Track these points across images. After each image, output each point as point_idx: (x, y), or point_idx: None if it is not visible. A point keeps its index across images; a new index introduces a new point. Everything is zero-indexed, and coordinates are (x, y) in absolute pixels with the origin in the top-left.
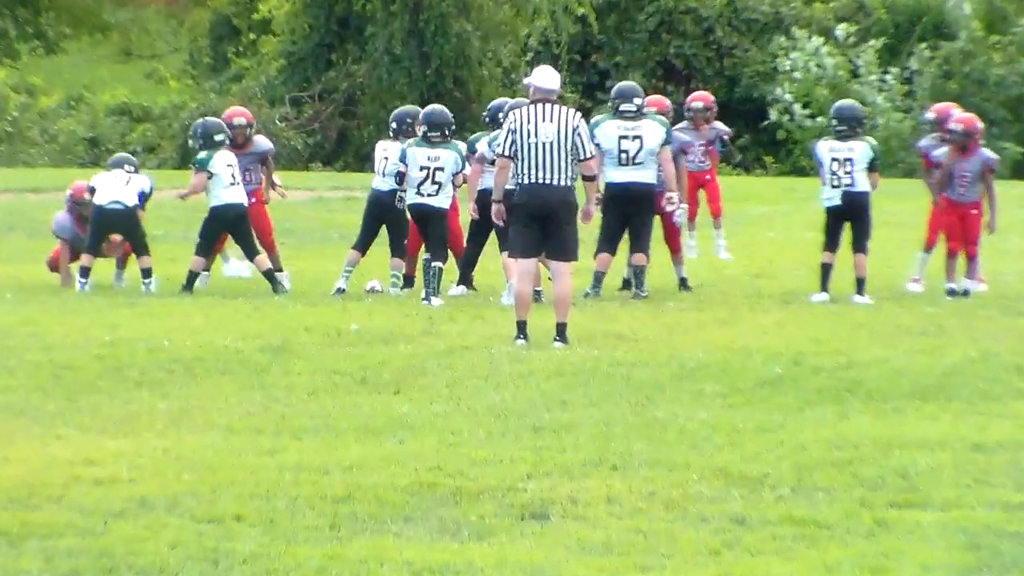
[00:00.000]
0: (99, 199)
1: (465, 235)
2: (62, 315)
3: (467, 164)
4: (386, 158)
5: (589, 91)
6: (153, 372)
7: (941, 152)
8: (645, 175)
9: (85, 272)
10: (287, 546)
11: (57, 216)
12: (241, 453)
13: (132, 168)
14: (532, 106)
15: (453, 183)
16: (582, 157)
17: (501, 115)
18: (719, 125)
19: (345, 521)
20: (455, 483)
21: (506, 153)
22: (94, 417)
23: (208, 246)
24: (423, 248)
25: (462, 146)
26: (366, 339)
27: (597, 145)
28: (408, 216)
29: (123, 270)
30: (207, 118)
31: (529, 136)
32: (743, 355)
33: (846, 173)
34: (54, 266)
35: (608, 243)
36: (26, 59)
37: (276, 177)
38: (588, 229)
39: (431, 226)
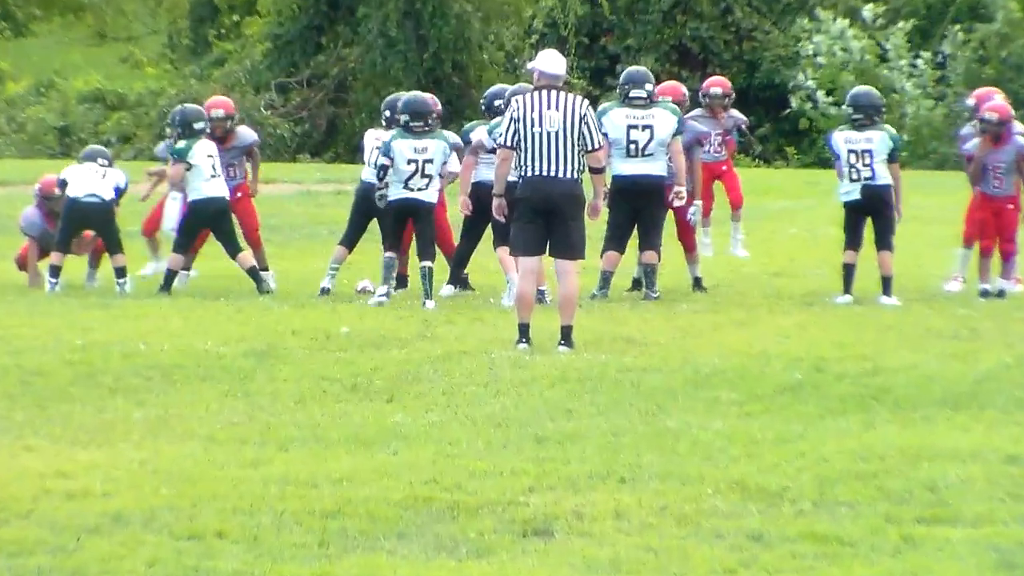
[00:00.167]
0: (74, 191)
1: (455, 231)
2: (31, 317)
3: (455, 156)
4: (377, 148)
5: (598, 77)
6: (129, 378)
7: (973, 144)
8: (655, 167)
9: (55, 271)
10: (272, 564)
11: (25, 211)
12: (223, 465)
13: (106, 162)
14: (536, 93)
15: (441, 176)
16: (590, 148)
17: (498, 102)
18: (736, 113)
19: (335, 538)
20: (452, 497)
21: (508, 143)
22: (66, 426)
23: (187, 243)
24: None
25: (448, 135)
26: (357, 343)
27: (604, 135)
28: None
29: (96, 269)
30: (186, 105)
31: (533, 125)
32: (761, 360)
33: (865, 165)
34: (23, 264)
35: (616, 240)
36: None
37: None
38: (595, 225)
39: (420, 223)
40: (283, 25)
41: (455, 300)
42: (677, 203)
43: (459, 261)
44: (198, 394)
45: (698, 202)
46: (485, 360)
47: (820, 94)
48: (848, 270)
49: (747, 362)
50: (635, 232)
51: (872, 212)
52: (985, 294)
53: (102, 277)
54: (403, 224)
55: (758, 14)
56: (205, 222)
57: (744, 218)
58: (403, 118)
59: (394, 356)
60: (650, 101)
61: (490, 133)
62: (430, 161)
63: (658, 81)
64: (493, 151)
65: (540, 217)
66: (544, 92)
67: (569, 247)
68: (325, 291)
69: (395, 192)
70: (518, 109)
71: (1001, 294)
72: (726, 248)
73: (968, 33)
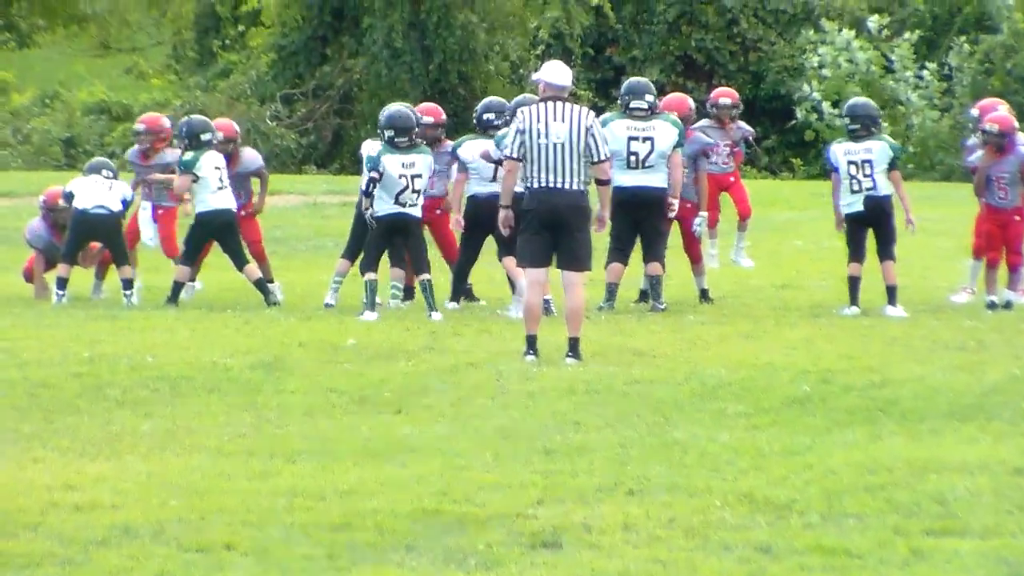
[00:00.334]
0: (81, 203)
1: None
2: (37, 329)
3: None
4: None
5: (603, 88)
6: (136, 391)
7: (976, 156)
8: (655, 179)
9: (62, 283)
10: None
11: (31, 224)
12: (231, 477)
13: (111, 174)
14: (542, 104)
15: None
16: (596, 159)
17: (488, 115)
18: (743, 125)
19: (343, 550)
20: (461, 509)
21: (514, 155)
22: (73, 439)
23: (194, 255)
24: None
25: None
26: (364, 355)
27: None
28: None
29: (102, 281)
30: (193, 116)
31: (539, 136)
32: (768, 372)
33: (865, 176)
34: (29, 276)
35: (619, 252)
36: None
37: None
38: (600, 237)
39: (411, 238)
40: (288, 36)
41: (462, 312)
42: (670, 215)
43: (460, 276)
44: (206, 406)
45: (703, 213)
46: (493, 372)
47: (826, 105)
48: (853, 282)
49: (754, 374)
50: (639, 244)
51: (874, 223)
52: (992, 306)
53: (108, 289)
54: (390, 242)
55: (764, 25)
56: (212, 234)
57: (750, 229)
58: (387, 133)
59: (401, 368)
60: (651, 112)
61: (498, 144)
62: (418, 176)
63: (663, 92)
64: (499, 162)
65: (546, 229)
66: (550, 103)
67: (575, 259)
68: (329, 307)
69: (384, 207)
70: (524, 120)
71: (1008, 306)
72: (730, 256)
73: (974, 44)
